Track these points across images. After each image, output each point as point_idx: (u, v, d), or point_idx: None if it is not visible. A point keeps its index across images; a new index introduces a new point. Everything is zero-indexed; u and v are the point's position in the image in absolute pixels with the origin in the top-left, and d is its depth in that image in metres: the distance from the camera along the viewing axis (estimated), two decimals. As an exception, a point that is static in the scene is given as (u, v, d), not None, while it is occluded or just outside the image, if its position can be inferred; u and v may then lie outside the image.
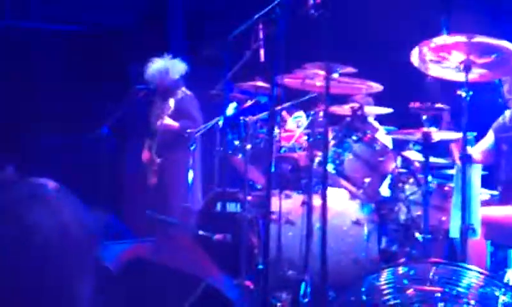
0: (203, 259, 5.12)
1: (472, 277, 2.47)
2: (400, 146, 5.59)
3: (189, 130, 6.37)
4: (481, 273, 2.48)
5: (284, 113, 6.17)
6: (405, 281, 2.49)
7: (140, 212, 6.28)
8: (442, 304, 2.27)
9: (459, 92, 3.95)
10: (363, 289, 2.54)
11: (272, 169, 5.22)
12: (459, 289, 2.38)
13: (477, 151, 4.96)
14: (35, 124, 8.06)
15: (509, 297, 2.35)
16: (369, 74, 4.72)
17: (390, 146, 5.67)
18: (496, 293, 2.33)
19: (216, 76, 5.76)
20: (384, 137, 5.56)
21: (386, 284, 2.52)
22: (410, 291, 2.42)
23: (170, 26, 8.94)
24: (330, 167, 4.59)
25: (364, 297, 2.51)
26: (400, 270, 2.57)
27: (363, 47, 5.59)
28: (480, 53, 3.94)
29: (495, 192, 4.78)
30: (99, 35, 8.54)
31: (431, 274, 2.42)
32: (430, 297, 2.35)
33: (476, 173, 3.95)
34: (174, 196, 6.80)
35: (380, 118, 5.88)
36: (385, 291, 2.49)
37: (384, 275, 2.58)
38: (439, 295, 2.35)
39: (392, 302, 2.42)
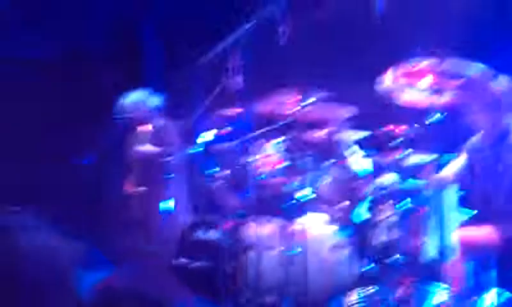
0: (178, 287, 5.14)
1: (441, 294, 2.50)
2: (380, 169, 5.65)
3: (168, 158, 6.38)
4: (449, 291, 2.51)
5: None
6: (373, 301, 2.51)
7: (120, 241, 6.26)
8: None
9: (431, 115, 4.01)
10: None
11: (251, 196, 5.29)
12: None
13: (449, 172, 5.01)
14: (12, 151, 8.00)
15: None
16: (345, 98, 4.78)
17: (370, 169, 5.72)
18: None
19: (195, 104, 5.79)
20: (363, 160, 5.60)
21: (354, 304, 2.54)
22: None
23: (146, 52, 8.94)
24: (308, 192, 4.63)
25: None
26: (370, 290, 2.59)
27: (338, 71, 5.65)
28: (451, 76, 4.01)
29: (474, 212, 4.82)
30: (72, 62, 8.50)
31: (399, 293, 2.44)
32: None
33: (451, 195, 3.99)
34: (154, 224, 6.78)
35: (360, 142, 5.93)
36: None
37: (353, 297, 2.60)
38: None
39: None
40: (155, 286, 4.49)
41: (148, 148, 6.65)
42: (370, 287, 2.60)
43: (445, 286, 2.52)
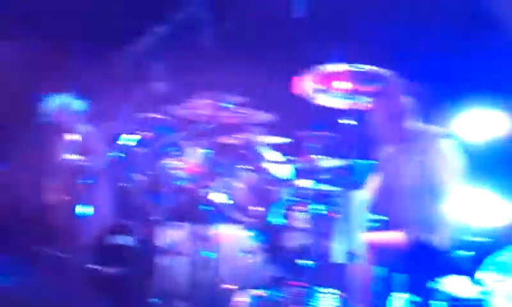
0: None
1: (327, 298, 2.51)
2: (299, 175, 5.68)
3: (90, 164, 6.27)
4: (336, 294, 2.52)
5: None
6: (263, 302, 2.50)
7: (34, 248, 6.13)
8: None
9: (344, 120, 4.04)
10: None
11: (167, 200, 5.25)
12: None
13: (369, 192, 5.06)
14: None
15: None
16: (261, 104, 4.78)
17: (286, 174, 5.74)
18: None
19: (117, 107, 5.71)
20: (281, 166, 5.62)
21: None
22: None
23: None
24: (222, 197, 4.61)
25: None
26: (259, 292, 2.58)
27: (254, 76, 5.66)
28: (364, 82, 4.06)
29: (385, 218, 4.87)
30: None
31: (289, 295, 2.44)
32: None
33: (360, 198, 4.03)
34: (73, 231, 6.65)
35: (277, 147, 5.95)
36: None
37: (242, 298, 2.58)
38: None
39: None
40: (64, 291, 4.42)
41: (73, 157, 6.50)
42: (261, 290, 2.58)
43: (336, 291, 2.52)
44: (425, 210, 4.69)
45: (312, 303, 2.37)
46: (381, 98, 4.38)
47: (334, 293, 2.49)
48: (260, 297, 2.55)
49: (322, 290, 2.50)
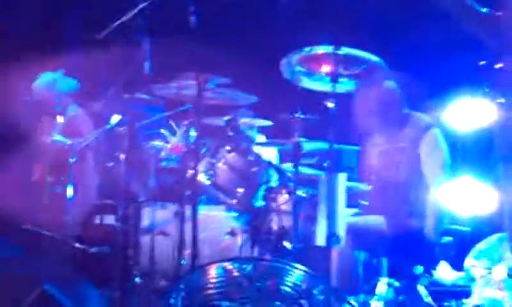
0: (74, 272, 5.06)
1: (295, 274, 2.51)
2: (283, 157, 5.68)
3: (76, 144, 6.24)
4: (305, 272, 2.53)
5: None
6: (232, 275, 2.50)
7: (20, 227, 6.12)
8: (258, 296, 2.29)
9: (327, 103, 4.02)
10: (182, 286, 2.54)
11: (151, 181, 5.24)
12: (280, 285, 2.42)
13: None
14: None
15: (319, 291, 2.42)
16: (245, 85, 4.76)
17: (275, 158, 5.75)
18: (314, 291, 2.38)
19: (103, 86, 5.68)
20: (268, 149, 5.62)
21: (211, 279, 2.53)
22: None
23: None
24: (204, 178, 4.60)
25: (183, 294, 2.51)
26: (228, 265, 2.58)
27: (239, 57, 5.65)
28: (347, 64, 4.04)
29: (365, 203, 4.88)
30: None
31: (250, 269, 2.44)
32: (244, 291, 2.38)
33: (341, 182, 4.03)
34: (58, 211, 6.64)
35: (261, 129, 5.94)
36: (209, 286, 2.50)
37: (211, 271, 2.59)
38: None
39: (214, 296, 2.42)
40: (48, 269, 4.42)
41: (60, 138, 6.48)
42: (228, 262, 2.58)
43: (303, 268, 2.51)
44: (413, 196, 4.71)
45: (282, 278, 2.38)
46: (367, 85, 4.38)
47: (302, 270, 2.48)
48: (229, 269, 2.54)
49: (290, 265, 2.50)
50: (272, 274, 2.43)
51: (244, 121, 5.04)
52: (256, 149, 4.79)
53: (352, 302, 2.53)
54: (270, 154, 5.67)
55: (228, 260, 2.65)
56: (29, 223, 5.97)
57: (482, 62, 3.62)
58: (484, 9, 3.32)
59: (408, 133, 4.83)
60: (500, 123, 6.05)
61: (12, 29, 7.85)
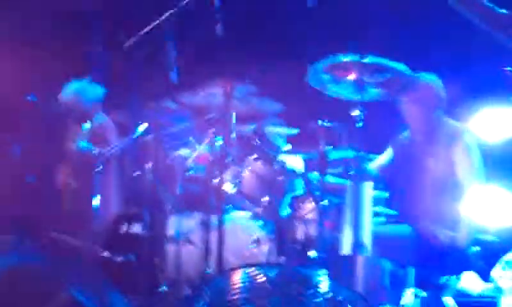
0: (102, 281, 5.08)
1: (320, 281, 2.50)
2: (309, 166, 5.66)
3: (102, 153, 6.28)
4: (330, 279, 2.52)
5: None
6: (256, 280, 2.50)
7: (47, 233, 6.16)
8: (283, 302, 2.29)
9: (353, 111, 4.02)
10: (207, 291, 2.54)
11: (178, 190, 5.26)
12: (304, 291, 2.41)
13: (375, 166, 5.06)
14: None
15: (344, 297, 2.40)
16: (271, 93, 4.78)
17: (301, 167, 5.73)
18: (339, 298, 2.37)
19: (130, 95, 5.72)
20: (294, 158, 5.61)
21: (235, 284, 2.53)
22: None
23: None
24: (230, 187, 4.60)
25: (207, 299, 2.51)
26: (252, 271, 2.58)
27: (265, 65, 5.66)
28: (373, 73, 4.04)
29: (393, 212, 4.85)
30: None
31: (274, 274, 2.44)
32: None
33: (368, 191, 4.01)
34: (83, 218, 6.67)
35: (288, 138, 5.94)
36: (233, 291, 2.49)
37: (235, 276, 2.58)
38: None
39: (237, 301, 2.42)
40: (75, 276, 4.44)
41: (86, 145, 6.52)
42: (253, 268, 2.58)
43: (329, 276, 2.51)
44: (444, 205, 4.67)
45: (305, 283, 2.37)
46: (395, 89, 4.34)
47: (328, 277, 2.47)
48: (253, 274, 2.54)
49: (315, 272, 2.49)
50: (297, 280, 2.42)
51: (270, 129, 5.03)
52: (282, 158, 4.78)
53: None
54: (296, 163, 5.65)
55: (253, 266, 2.64)
56: (56, 231, 6.01)
57: (508, 68, 3.58)
58: (504, 10, 3.29)
59: (441, 137, 4.80)
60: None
61: (39, 36, 7.93)
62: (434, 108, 4.83)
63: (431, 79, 4.78)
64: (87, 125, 6.49)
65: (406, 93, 4.64)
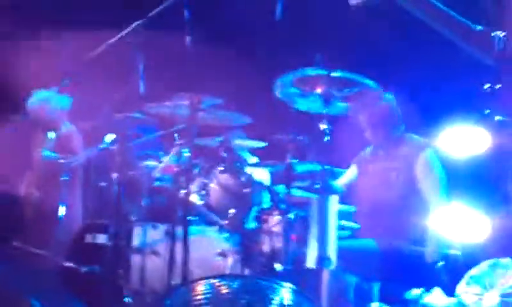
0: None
1: (283, 292, 2.50)
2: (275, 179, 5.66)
3: (67, 162, 6.23)
4: (293, 290, 2.51)
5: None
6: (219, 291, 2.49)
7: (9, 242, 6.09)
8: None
9: (320, 125, 4.04)
10: (168, 302, 2.52)
11: (144, 201, 5.24)
12: (267, 303, 2.41)
13: (341, 182, 5.09)
14: None
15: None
16: (238, 106, 4.78)
17: (267, 179, 5.73)
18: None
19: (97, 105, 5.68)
20: (260, 170, 5.61)
21: (198, 295, 2.52)
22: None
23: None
24: (196, 198, 4.59)
25: None
26: (215, 282, 2.57)
27: (232, 78, 5.67)
28: (340, 87, 4.06)
29: (358, 226, 4.86)
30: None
31: (237, 285, 2.43)
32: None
33: (333, 204, 4.02)
34: (46, 227, 6.62)
35: (254, 151, 5.95)
36: (196, 302, 2.48)
37: (198, 287, 2.57)
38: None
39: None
40: (38, 288, 4.40)
41: (51, 154, 6.48)
42: (216, 279, 2.57)
43: (291, 287, 2.50)
44: (407, 220, 4.70)
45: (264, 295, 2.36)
46: (362, 103, 4.37)
47: (291, 288, 2.46)
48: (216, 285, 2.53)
49: (277, 283, 2.48)
50: (260, 291, 2.42)
51: (237, 142, 5.04)
52: (248, 170, 4.78)
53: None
54: (262, 175, 5.65)
55: (216, 277, 2.63)
56: (19, 240, 5.94)
57: (487, 86, 3.62)
58: (479, 27, 3.33)
59: (403, 153, 4.84)
60: (494, 149, 6.08)
61: (7, 42, 7.87)
62: (393, 125, 4.88)
63: (388, 98, 4.83)
64: (52, 134, 6.45)
65: (370, 109, 4.68)
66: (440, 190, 4.79)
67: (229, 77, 5.55)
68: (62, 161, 6.19)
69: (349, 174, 5.14)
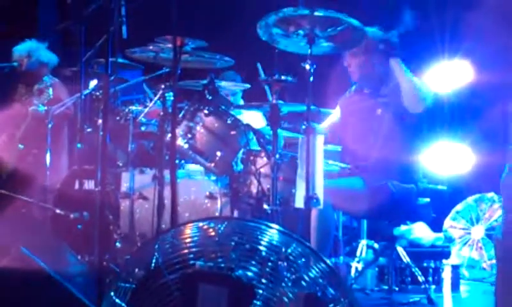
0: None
1: (271, 234, 2.51)
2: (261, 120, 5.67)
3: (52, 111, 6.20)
4: (281, 231, 2.53)
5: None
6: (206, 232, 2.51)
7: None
8: (234, 255, 2.30)
9: (304, 65, 4.02)
10: (156, 246, 2.54)
11: (130, 146, 5.23)
12: (255, 244, 2.43)
13: (326, 124, 5.09)
14: None
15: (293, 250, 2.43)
16: (222, 48, 4.75)
17: (261, 122, 5.73)
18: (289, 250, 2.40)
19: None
20: (253, 113, 5.62)
21: (186, 238, 2.53)
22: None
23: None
24: (182, 142, 4.57)
25: (156, 254, 2.51)
26: (203, 225, 2.58)
27: (216, 19, 5.62)
28: (324, 26, 4.02)
29: (345, 165, 4.87)
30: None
31: (224, 228, 2.45)
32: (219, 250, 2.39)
33: (319, 144, 4.02)
34: (34, 176, 6.61)
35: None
36: (184, 245, 2.50)
37: (186, 230, 2.59)
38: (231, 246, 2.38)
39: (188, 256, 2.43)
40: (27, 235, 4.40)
41: (35, 105, 6.42)
42: (204, 222, 2.59)
43: (280, 228, 2.51)
44: (393, 156, 4.70)
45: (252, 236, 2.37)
46: (346, 37, 4.32)
47: (280, 230, 2.47)
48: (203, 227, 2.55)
49: (265, 224, 2.49)
50: (248, 233, 2.43)
51: (222, 84, 5.01)
52: (236, 112, 4.77)
53: (328, 261, 2.53)
54: (256, 118, 5.67)
55: (204, 220, 2.64)
56: (6, 188, 5.94)
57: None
58: None
59: (389, 87, 4.81)
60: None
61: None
62: (379, 59, 4.83)
63: (372, 31, 4.76)
64: (36, 88, 6.40)
65: (355, 46, 4.63)
66: (424, 91, 4.72)
67: (212, 18, 5.51)
68: (46, 108, 6.16)
69: (334, 116, 5.13)
